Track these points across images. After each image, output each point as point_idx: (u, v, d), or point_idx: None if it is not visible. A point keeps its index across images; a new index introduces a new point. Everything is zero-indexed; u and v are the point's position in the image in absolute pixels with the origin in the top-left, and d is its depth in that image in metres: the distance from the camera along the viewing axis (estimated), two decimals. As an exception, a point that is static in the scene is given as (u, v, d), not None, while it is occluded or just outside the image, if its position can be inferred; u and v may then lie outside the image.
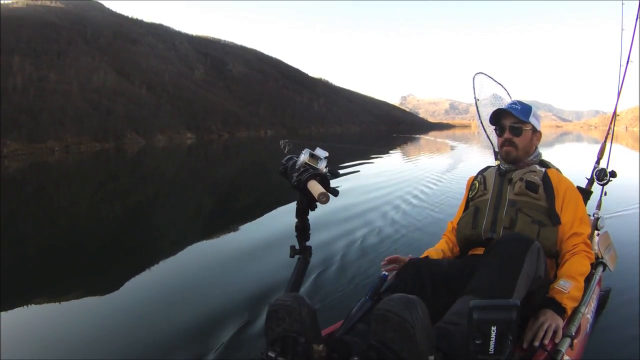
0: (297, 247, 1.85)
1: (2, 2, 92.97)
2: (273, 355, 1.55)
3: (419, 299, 1.46)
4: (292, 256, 1.84)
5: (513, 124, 2.48)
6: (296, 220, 1.82)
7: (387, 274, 2.23)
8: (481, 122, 3.60)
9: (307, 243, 1.86)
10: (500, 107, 2.60)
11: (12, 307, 3.90)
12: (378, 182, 10.62)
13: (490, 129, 3.38)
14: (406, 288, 2.00)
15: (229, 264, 4.89)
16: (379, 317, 1.43)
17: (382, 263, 2.38)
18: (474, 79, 3.66)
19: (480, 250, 2.33)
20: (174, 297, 3.96)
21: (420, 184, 9.84)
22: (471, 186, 2.66)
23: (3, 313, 3.75)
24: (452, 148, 27.37)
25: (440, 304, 1.94)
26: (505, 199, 2.37)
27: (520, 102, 2.55)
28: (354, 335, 1.86)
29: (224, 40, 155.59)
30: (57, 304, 4.04)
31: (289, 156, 1.85)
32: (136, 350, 2.93)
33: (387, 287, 2.15)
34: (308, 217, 1.81)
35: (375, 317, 1.44)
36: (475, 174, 2.72)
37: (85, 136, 49.26)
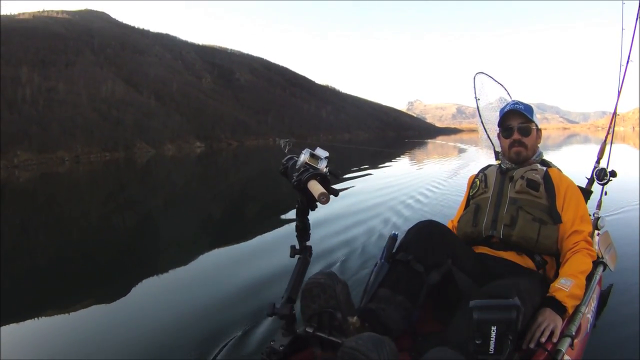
0: (297, 246, 1.85)
1: (9, 13, 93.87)
2: (311, 331, 1.61)
3: (388, 339, 1.46)
4: (292, 256, 1.84)
5: (521, 124, 2.49)
6: (296, 220, 1.82)
7: (397, 233, 2.24)
8: (482, 122, 3.61)
9: (307, 243, 1.85)
10: (507, 107, 2.60)
11: (21, 317, 3.92)
12: (387, 183, 10.72)
13: (491, 129, 3.41)
14: (417, 245, 2.07)
15: (233, 269, 4.94)
16: (346, 356, 1.41)
17: None
18: (474, 79, 3.67)
19: (480, 249, 2.35)
20: (179, 304, 3.99)
21: (428, 185, 9.92)
22: (472, 184, 2.66)
23: (13, 324, 3.79)
24: (464, 151, 27.47)
25: (444, 266, 2.05)
26: (506, 197, 2.38)
27: (520, 102, 2.56)
28: (378, 302, 1.91)
29: (231, 49, 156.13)
30: (66, 314, 4.06)
31: (289, 156, 1.85)
32: (142, 356, 2.97)
33: (399, 245, 2.17)
34: (308, 217, 1.81)
35: (342, 355, 1.42)
36: (476, 172, 2.73)
37: (95, 146, 49.58)
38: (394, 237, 2.20)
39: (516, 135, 2.50)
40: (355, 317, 1.64)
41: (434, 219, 2.30)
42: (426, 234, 2.13)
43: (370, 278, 2.05)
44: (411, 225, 2.25)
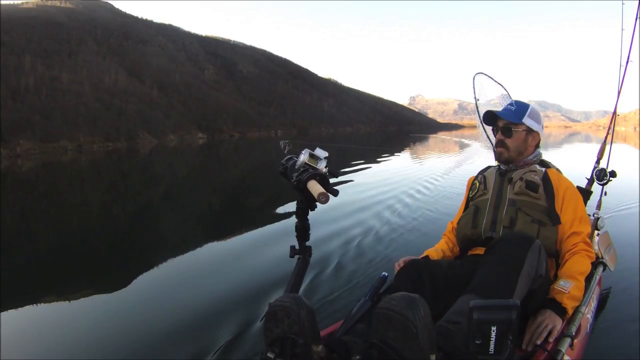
0: (297, 247, 1.85)
1: (12, 2, 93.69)
2: (272, 357, 1.55)
3: (421, 298, 1.45)
4: (292, 256, 1.84)
5: (504, 125, 2.49)
6: (296, 220, 1.82)
7: (387, 274, 2.23)
8: (481, 122, 3.62)
9: (307, 243, 1.85)
10: (493, 109, 2.61)
11: (20, 305, 3.96)
12: (383, 179, 10.69)
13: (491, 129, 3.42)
14: (407, 289, 2.00)
15: (233, 264, 4.96)
16: (380, 316, 1.41)
17: (397, 264, 2.37)
18: (474, 79, 3.67)
19: (480, 250, 2.34)
20: (178, 297, 4.01)
21: (431, 177, 9.99)
22: (471, 186, 2.66)
23: (12, 311, 3.82)
24: (467, 145, 27.61)
25: (440, 304, 1.95)
26: (505, 199, 2.38)
27: (517, 102, 2.55)
28: (354, 336, 1.85)
29: (233, 41, 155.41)
30: (67, 302, 4.11)
31: (288, 156, 1.85)
32: (138, 350, 2.97)
33: (386, 287, 2.15)
34: (308, 217, 1.81)
35: (377, 315, 1.43)
36: (475, 174, 2.73)
37: (98, 136, 49.41)
38: (383, 279, 2.17)
39: (499, 136, 2.51)
40: (320, 346, 1.60)
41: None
42: (414, 282, 2.09)
43: (352, 312, 2.02)
44: (400, 257, 2.30)
